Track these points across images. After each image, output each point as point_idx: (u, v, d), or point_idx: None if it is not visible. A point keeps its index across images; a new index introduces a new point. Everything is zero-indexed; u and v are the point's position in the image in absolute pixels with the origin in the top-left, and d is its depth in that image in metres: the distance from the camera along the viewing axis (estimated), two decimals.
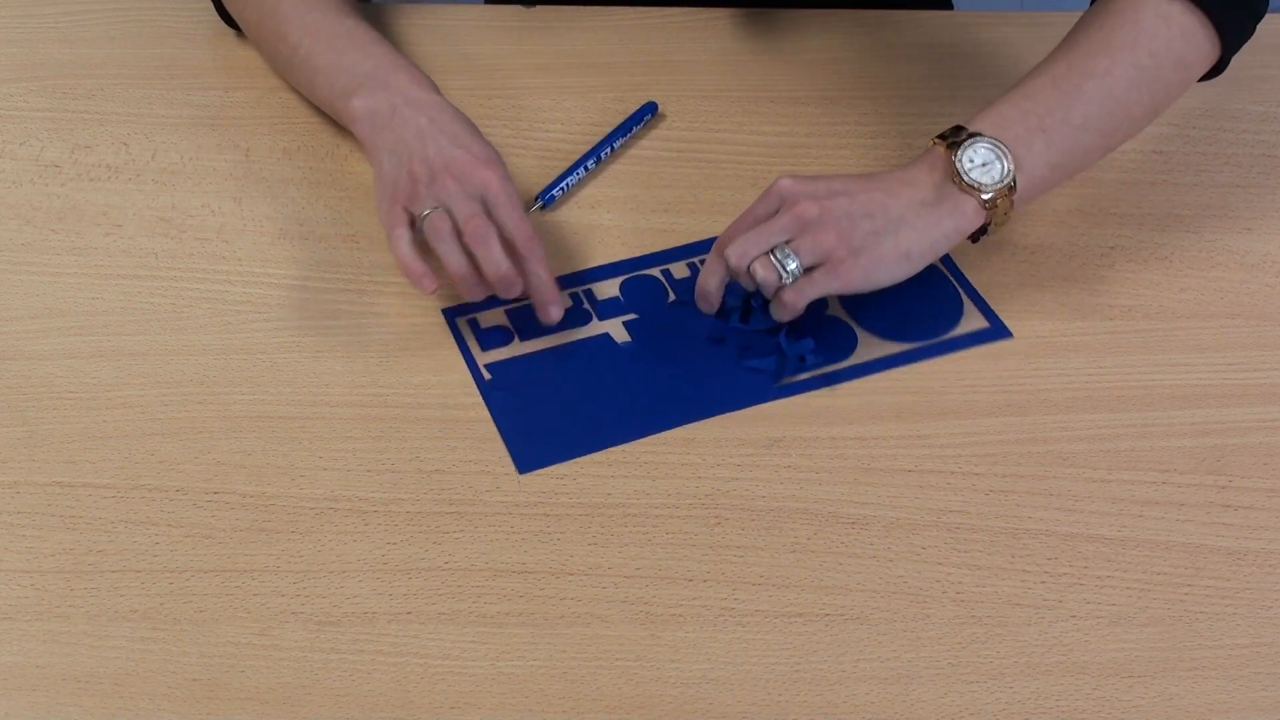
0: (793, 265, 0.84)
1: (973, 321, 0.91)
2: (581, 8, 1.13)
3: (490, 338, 0.90)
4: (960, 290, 0.93)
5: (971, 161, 0.85)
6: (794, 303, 0.85)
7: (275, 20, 1.01)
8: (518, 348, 0.89)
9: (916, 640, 0.76)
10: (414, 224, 0.89)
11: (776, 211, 0.86)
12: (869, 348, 0.90)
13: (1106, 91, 0.88)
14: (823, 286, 0.85)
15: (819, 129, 1.04)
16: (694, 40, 1.11)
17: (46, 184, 1.01)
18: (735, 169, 1.01)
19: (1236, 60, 0.92)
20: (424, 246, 0.88)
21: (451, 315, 0.91)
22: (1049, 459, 0.84)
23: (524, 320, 0.91)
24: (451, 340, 0.90)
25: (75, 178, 1.01)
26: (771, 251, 0.85)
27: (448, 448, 0.85)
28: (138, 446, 0.85)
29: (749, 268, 0.85)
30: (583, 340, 0.90)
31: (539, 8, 1.14)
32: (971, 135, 0.86)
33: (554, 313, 0.89)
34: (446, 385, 0.88)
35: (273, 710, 0.74)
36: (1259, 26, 0.92)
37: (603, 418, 0.86)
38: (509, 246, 0.88)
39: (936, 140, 0.87)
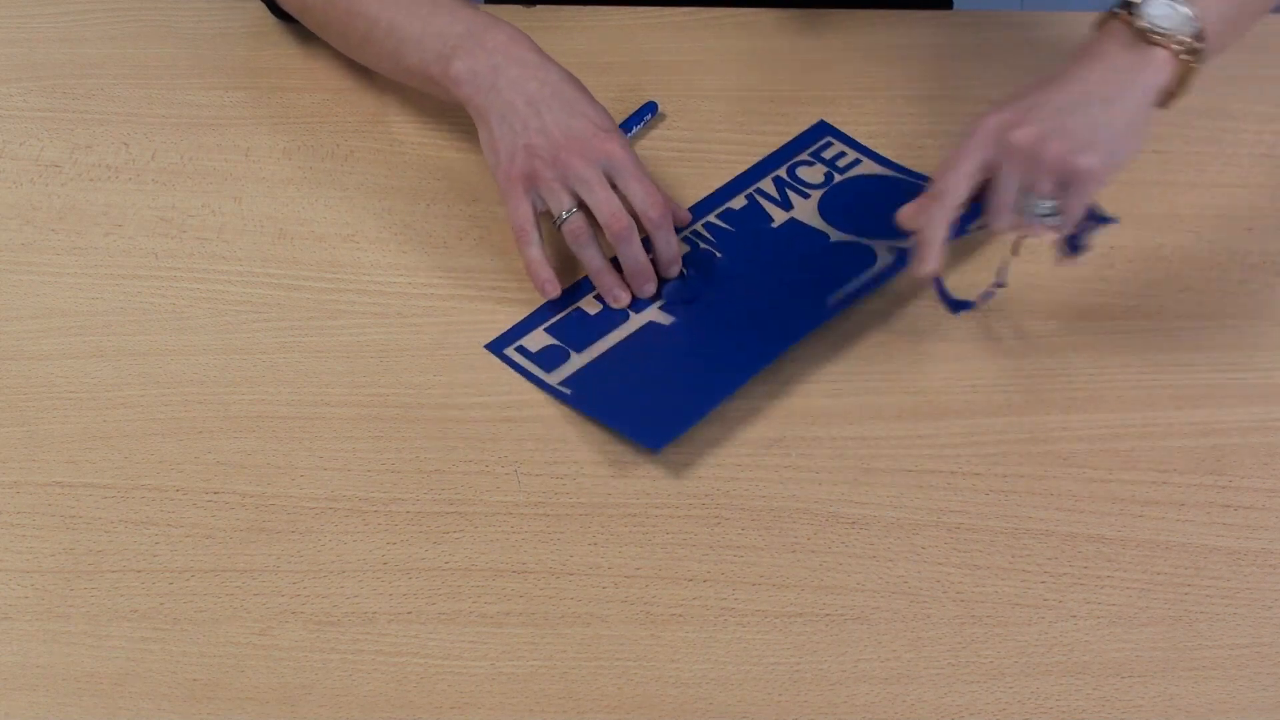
0: (1048, 207, 0.84)
1: None
2: (581, 8, 1.13)
3: (548, 359, 0.90)
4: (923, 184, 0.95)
5: (1153, 18, 0.84)
6: (1074, 223, 0.85)
7: None
8: (578, 360, 0.89)
9: (916, 640, 0.76)
10: (537, 211, 0.91)
11: (993, 156, 0.84)
12: (884, 255, 0.93)
13: None
14: (1084, 200, 0.84)
15: None
16: (694, 40, 1.11)
17: (46, 184, 1.01)
18: (735, 169, 1.01)
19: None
20: (550, 234, 0.93)
21: (498, 348, 0.90)
22: (1049, 459, 0.84)
23: (569, 333, 0.91)
24: (451, 340, 0.90)
25: (75, 178, 1.01)
26: (1024, 211, 0.84)
27: (448, 448, 0.85)
28: (138, 446, 0.85)
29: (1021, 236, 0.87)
30: (634, 334, 0.91)
31: (539, 8, 1.14)
32: None
33: (673, 270, 0.92)
34: (446, 385, 0.88)
35: (273, 710, 0.74)
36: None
37: (698, 379, 0.87)
38: (639, 215, 0.91)
39: (1113, 12, 0.86)
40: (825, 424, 0.86)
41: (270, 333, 0.91)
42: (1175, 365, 0.89)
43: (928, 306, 0.92)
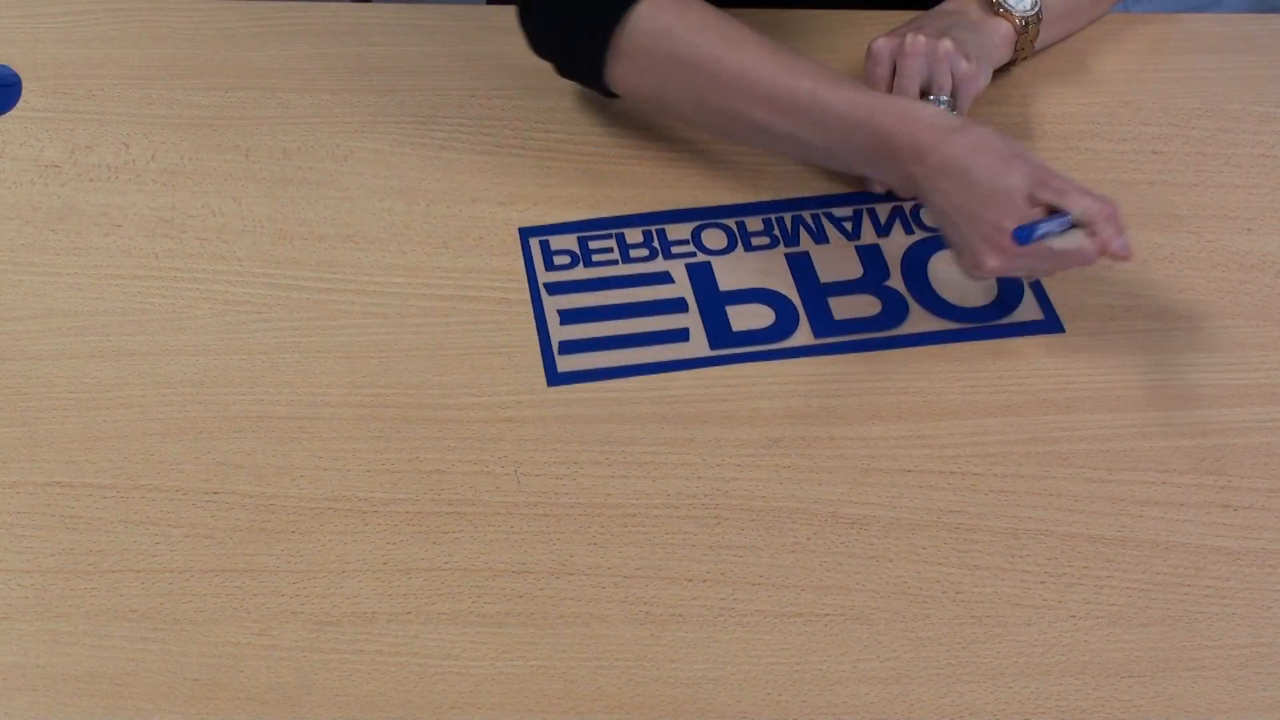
0: (945, 99, 0.95)
1: (1028, 311, 0.92)
2: None
3: (555, 260, 0.94)
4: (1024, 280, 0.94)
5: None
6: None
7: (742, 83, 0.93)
8: (579, 272, 0.93)
9: (916, 640, 0.76)
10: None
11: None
12: (918, 321, 0.91)
13: None
14: (973, 94, 0.96)
15: None
16: None
17: (46, 184, 1.01)
18: (736, 169, 1.01)
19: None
20: None
21: (526, 234, 0.96)
22: (1049, 459, 0.84)
23: (589, 249, 0.95)
24: (451, 340, 0.90)
25: (75, 178, 1.01)
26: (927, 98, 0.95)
27: (448, 448, 0.85)
28: (138, 446, 0.85)
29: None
30: (643, 274, 0.93)
31: None
32: None
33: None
34: (447, 385, 0.88)
35: (273, 710, 0.74)
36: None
37: (638, 342, 0.90)
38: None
39: None
40: (825, 424, 0.86)
41: (270, 333, 0.91)
42: (1175, 365, 0.89)
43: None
